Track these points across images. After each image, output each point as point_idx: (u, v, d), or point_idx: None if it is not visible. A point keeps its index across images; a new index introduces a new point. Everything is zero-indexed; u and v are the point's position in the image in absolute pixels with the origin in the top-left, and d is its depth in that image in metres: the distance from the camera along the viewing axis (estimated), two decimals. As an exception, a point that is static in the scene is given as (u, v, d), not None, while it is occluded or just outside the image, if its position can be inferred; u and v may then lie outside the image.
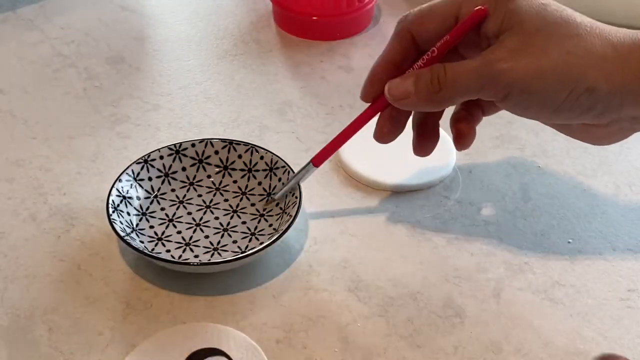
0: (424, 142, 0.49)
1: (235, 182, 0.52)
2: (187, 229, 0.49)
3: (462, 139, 0.48)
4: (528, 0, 0.41)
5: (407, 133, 0.58)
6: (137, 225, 0.49)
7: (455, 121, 0.48)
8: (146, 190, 0.51)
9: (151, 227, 0.49)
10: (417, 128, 0.49)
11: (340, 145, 0.49)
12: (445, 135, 0.57)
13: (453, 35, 0.43)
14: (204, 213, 0.50)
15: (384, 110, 0.47)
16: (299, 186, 0.49)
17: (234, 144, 0.52)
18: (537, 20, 0.41)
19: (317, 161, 0.49)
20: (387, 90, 0.45)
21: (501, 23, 0.41)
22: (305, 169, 0.49)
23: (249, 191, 0.52)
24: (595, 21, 0.42)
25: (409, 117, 0.48)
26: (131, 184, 0.50)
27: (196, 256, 0.47)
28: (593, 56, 0.40)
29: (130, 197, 0.49)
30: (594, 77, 0.39)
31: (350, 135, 0.48)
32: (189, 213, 0.50)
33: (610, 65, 0.40)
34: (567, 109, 0.41)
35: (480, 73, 0.41)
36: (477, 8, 0.42)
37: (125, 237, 0.46)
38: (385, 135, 0.47)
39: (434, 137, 0.49)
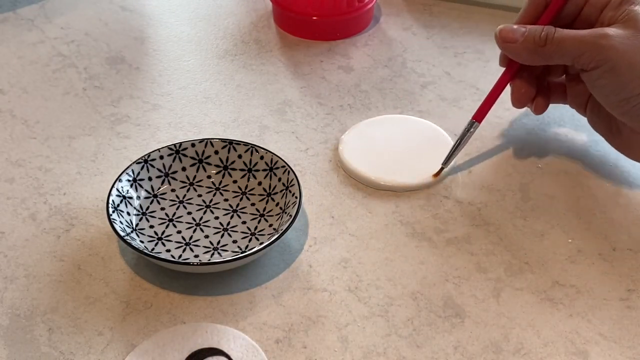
0: (523, 93, 0.53)
1: (235, 182, 0.52)
2: (187, 228, 0.49)
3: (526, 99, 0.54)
4: None
5: (406, 132, 0.58)
6: (137, 225, 0.49)
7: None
8: (146, 190, 0.51)
9: (151, 226, 0.49)
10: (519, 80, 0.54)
11: (495, 100, 0.54)
12: (445, 136, 0.57)
13: None
14: (204, 213, 0.50)
15: (517, 72, 0.53)
16: (299, 186, 0.49)
17: (233, 144, 0.52)
18: None
19: (479, 117, 0.54)
20: (497, 32, 0.51)
21: (619, 16, 0.49)
22: (469, 129, 0.54)
23: (249, 191, 0.52)
24: None
25: (536, 76, 0.54)
26: (131, 184, 0.50)
27: (196, 256, 0.47)
28: None
29: (130, 197, 0.49)
30: None
31: (502, 88, 0.54)
32: (189, 213, 0.50)
33: None
34: (633, 103, 0.47)
35: (586, 40, 0.48)
36: None
37: (125, 237, 0.46)
38: (522, 95, 0.53)
39: (532, 92, 0.54)
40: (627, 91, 0.47)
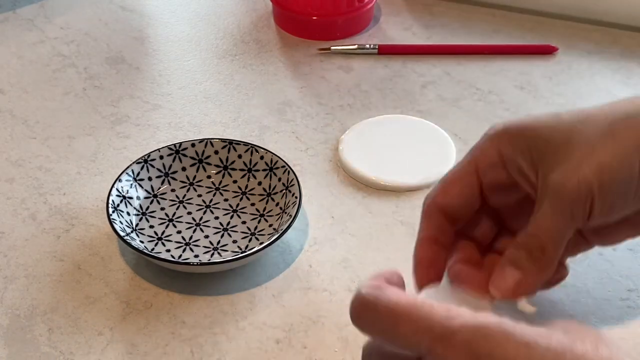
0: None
1: (235, 182, 0.52)
2: (187, 228, 0.49)
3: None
4: (538, 121, 0.40)
5: (406, 132, 0.58)
6: (137, 225, 0.49)
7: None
8: (146, 190, 0.51)
9: (151, 227, 0.49)
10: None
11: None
12: (445, 136, 0.57)
13: None
14: (204, 213, 0.50)
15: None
16: (299, 186, 0.49)
17: (233, 144, 0.52)
18: (561, 129, 0.39)
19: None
20: (494, 292, 0.39)
21: (530, 156, 0.39)
22: None
23: (248, 191, 0.52)
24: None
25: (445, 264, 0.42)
26: (131, 184, 0.50)
27: (196, 256, 0.47)
28: (636, 125, 0.38)
29: (130, 197, 0.49)
30: None
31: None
32: (189, 213, 0.50)
33: None
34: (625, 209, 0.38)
35: (560, 207, 0.38)
36: None
37: (125, 237, 0.46)
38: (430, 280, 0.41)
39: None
40: (631, 183, 0.38)
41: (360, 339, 0.43)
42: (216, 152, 0.52)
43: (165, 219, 0.50)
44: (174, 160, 0.52)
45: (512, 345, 0.30)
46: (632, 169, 0.37)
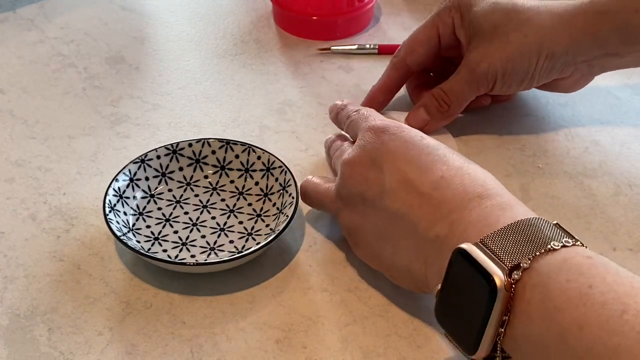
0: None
1: (232, 182, 0.52)
2: (183, 228, 0.49)
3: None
4: (481, 5, 0.53)
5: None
6: (133, 225, 0.49)
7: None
8: (143, 190, 0.51)
9: (148, 226, 0.49)
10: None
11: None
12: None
13: None
14: (201, 213, 0.50)
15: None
16: (296, 187, 0.49)
17: (231, 144, 0.52)
18: (492, 19, 0.52)
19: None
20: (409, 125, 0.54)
21: (467, 31, 0.54)
22: None
23: (245, 191, 0.52)
24: (541, 1, 0.53)
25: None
26: (128, 184, 0.50)
27: (192, 256, 0.47)
28: (544, 30, 0.51)
29: (127, 197, 0.49)
30: (549, 46, 0.52)
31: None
32: (186, 213, 0.50)
33: (560, 32, 0.51)
34: (538, 74, 0.53)
35: (470, 79, 0.53)
36: None
37: (122, 237, 0.46)
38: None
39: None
40: (527, 73, 0.52)
41: (360, 339, 0.43)
42: (213, 152, 0.52)
43: (162, 219, 0.50)
44: (171, 160, 0.52)
45: (407, 129, 0.44)
46: (530, 64, 0.52)
